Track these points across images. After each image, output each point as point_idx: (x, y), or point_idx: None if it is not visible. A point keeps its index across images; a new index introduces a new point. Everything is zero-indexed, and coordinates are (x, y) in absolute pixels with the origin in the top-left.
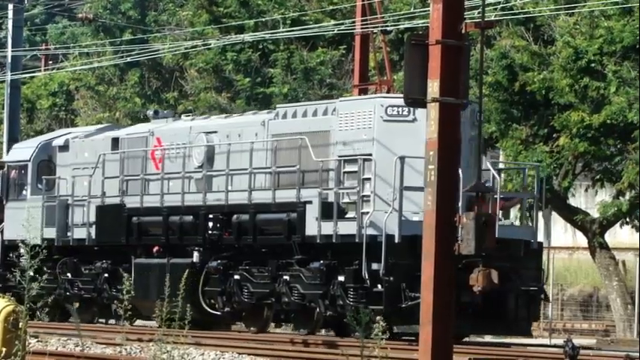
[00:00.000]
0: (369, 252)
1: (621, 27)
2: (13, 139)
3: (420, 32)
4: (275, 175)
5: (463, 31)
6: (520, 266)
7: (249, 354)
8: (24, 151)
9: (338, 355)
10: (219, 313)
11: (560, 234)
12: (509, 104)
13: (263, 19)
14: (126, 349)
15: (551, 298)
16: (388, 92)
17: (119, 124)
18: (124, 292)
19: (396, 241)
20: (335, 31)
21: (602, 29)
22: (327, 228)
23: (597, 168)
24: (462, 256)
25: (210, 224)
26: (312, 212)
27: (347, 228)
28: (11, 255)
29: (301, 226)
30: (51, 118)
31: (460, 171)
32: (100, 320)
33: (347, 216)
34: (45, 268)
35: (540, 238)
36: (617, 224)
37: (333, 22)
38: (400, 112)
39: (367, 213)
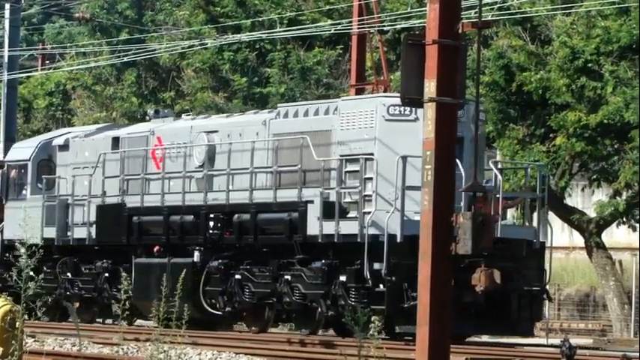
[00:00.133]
0: (371, 252)
1: (618, 27)
2: (9, 139)
3: (417, 32)
4: (276, 175)
5: (460, 31)
6: (522, 266)
7: (246, 354)
8: (24, 150)
9: (336, 355)
10: (220, 313)
11: (557, 234)
12: (506, 104)
13: (260, 19)
14: (123, 349)
15: None
16: (385, 92)
17: (116, 123)
18: (122, 292)
19: (398, 240)
20: (332, 31)
21: (599, 29)
22: (329, 227)
23: (594, 168)
24: (462, 256)
25: (211, 224)
26: (314, 212)
27: (349, 227)
28: (7, 255)
29: (303, 225)
30: (47, 117)
31: (462, 170)
32: (98, 320)
33: (349, 215)
34: (45, 268)
35: (546, 237)
36: (614, 224)
37: (329, 21)
38: (402, 112)
39: (369, 213)
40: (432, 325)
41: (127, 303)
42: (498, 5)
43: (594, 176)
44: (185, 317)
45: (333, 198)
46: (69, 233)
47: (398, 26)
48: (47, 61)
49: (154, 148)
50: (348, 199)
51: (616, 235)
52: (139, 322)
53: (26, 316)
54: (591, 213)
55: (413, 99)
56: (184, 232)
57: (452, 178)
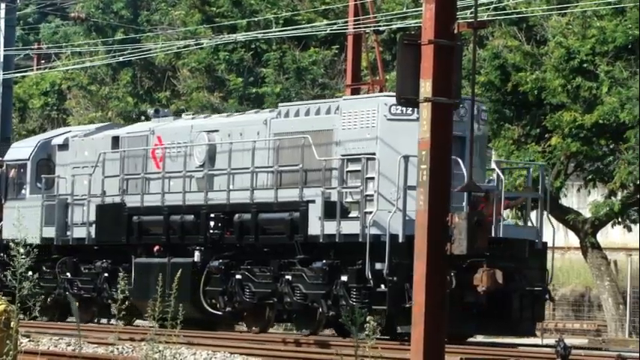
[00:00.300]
0: (373, 252)
1: (614, 27)
2: (5, 139)
3: (413, 32)
4: (277, 174)
5: (456, 31)
6: (524, 266)
7: (241, 354)
8: (23, 150)
9: (332, 355)
10: (220, 313)
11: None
12: (502, 104)
13: (255, 19)
14: (118, 349)
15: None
16: (381, 92)
17: (115, 123)
18: (119, 292)
19: (400, 240)
20: (327, 31)
21: (595, 29)
22: (330, 227)
23: (589, 168)
24: (461, 256)
25: (212, 223)
26: (315, 211)
27: (350, 227)
28: (2, 254)
29: (304, 225)
30: (43, 117)
31: (464, 170)
32: (102, 321)
33: (350, 215)
34: (44, 267)
35: (549, 237)
36: (609, 224)
37: (325, 21)
38: (404, 111)
39: (371, 212)
40: (427, 325)
41: (124, 303)
42: (494, 5)
43: (590, 176)
44: (180, 317)
45: (334, 198)
46: (68, 233)
47: (394, 26)
48: (43, 61)
49: (154, 148)
50: (349, 199)
51: (611, 236)
52: (138, 322)
53: (22, 316)
54: (586, 213)
55: (409, 99)
56: (185, 232)
57: (447, 178)
